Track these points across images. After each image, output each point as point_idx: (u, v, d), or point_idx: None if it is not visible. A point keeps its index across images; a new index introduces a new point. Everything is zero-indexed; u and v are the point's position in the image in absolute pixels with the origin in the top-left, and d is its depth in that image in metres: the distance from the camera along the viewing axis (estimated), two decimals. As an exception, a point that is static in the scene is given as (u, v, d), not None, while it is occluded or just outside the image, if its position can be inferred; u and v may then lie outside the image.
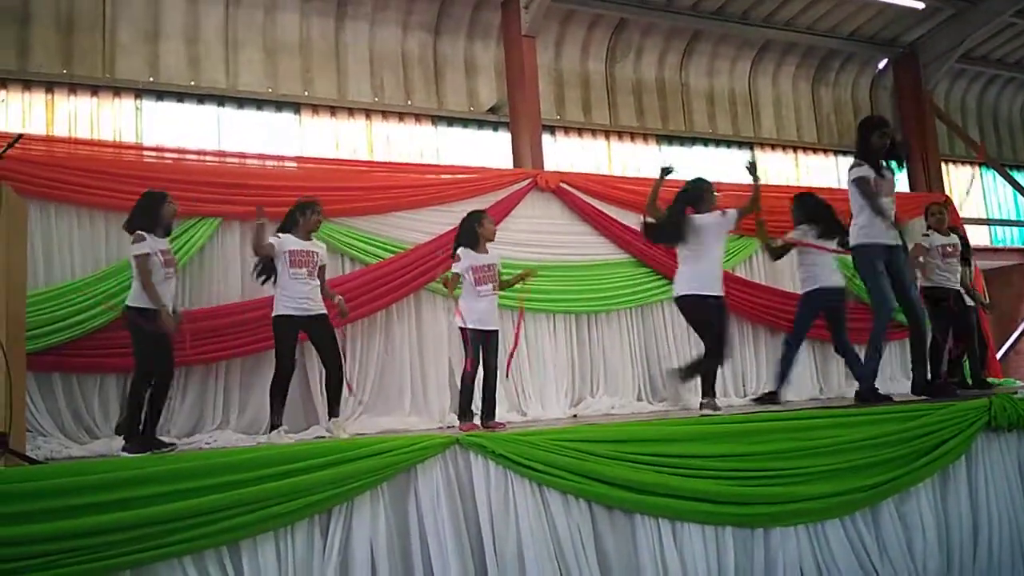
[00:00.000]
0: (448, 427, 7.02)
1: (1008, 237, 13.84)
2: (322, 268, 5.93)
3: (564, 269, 8.28)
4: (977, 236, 12.71)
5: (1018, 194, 13.15)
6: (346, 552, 3.37)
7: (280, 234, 5.81)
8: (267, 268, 5.90)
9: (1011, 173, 13.24)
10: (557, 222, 8.44)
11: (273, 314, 5.74)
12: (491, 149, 9.94)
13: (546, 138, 9.72)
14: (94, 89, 8.17)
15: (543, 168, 9.00)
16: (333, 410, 5.88)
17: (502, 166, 9.39)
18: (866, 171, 5.51)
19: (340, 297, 5.95)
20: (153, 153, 7.11)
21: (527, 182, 8.34)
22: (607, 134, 10.86)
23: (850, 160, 12.42)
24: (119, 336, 6.40)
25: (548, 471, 3.69)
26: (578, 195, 8.56)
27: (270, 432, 5.71)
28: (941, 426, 4.56)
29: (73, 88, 8.08)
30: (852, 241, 5.63)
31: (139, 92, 8.34)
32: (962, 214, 11.87)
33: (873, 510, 4.37)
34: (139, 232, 5.55)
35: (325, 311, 5.85)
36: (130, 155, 7.08)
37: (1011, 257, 13.76)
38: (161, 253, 5.57)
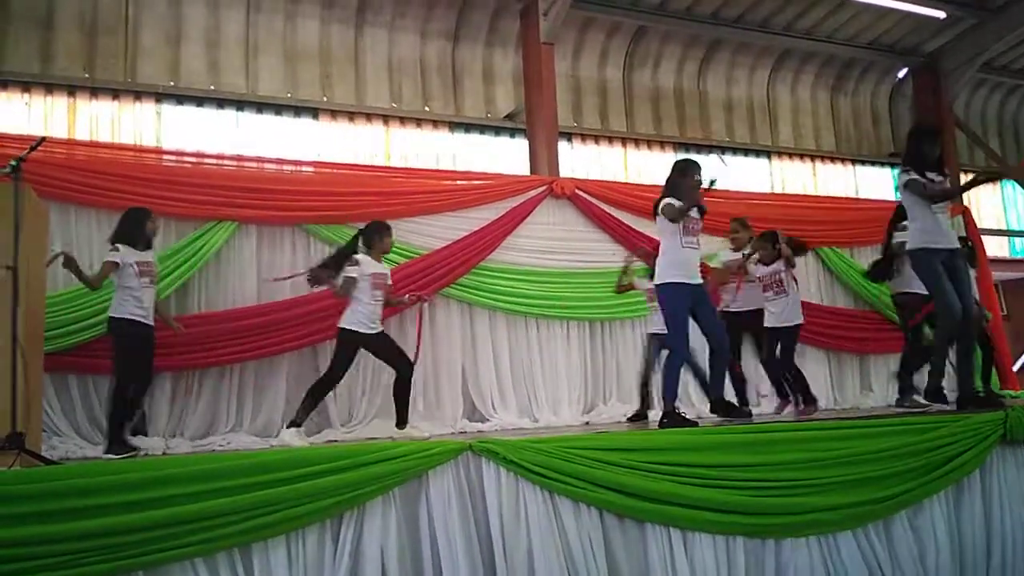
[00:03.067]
0: (460, 432, 7.03)
1: (1026, 248, 13.74)
2: None
3: (578, 276, 8.27)
4: (996, 247, 12.60)
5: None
6: (357, 557, 3.37)
7: (359, 255, 5.87)
8: (320, 280, 5.98)
9: (1031, 184, 13.12)
10: (573, 229, 8.44)
11: (343, 325, 5.80)
12: (508, 155, 9.96)
13: (563, 145, 9.73)
14: (115, 93, 8.25)
15: (559, 175, 9.01)
16: (402, 417, 5.91)
17: (518, 172, 9.41)
18: (916, 175, 5.30)
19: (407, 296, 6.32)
20: (172, 157, 7.17)
21: (543, 188, 8.35)
22: (624, 141, 10.85)
23: (868, 169, 12.43)
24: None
25: (559, 478, 3.69)
26: (594, 202, 8.56)
27: (287, 427, 5.68)
28: (956, 439, 4.52)
29: (95, 92, 8.17)
30: (911, 244, 5.41)
31: (159, 96, 8.42)
32: (981, 225, 11.78)
33: (886, 522, 4.33)
34: (114, 244, 5.74)
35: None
36: (150, 158, 7.14)
37: (1030, 268, 13.64)
38: (136, 264, 5.67)
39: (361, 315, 5.76)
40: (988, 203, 13.40)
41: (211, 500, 3.10)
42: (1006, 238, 13.27)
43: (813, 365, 9.37)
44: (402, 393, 5.90)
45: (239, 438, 6.54)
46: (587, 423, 7.85)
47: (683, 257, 5.15)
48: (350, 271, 5.79)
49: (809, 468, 4.17)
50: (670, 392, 5.17)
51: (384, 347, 5.94)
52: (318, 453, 3.44)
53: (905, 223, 6.28)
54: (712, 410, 5.35)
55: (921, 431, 4.52)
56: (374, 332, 5.83)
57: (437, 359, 7.63)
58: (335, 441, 6.61)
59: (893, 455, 4.37)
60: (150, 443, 6.30)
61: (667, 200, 5.19)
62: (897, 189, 5.59)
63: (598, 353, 8.40)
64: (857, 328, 9.66)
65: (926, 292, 5.92)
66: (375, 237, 5.98)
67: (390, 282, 6.08)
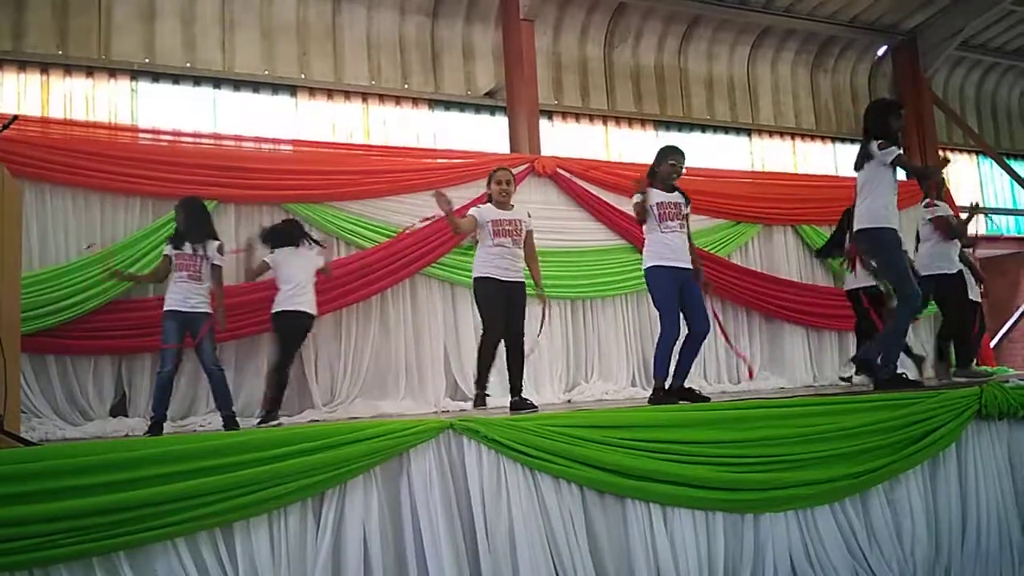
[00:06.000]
0: (443, 411, 7.05)
1: (1004, 226, 13.85)
2: None
3: (560, 255, 8.28)
4: (973, 224, 12.66)
5: (1015, 183, 13.15)
6: (339, 535, 3.38)
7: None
8: None
9: (1008, 162, 13.22)
10: (554, 207, 8.45)
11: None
12: (488, 133, 9.91)
13: (543, 123, 9.69)
14: (89, 70, 8.13)
15: (540, 153, 8.98)
16: (516, 386, 5.48)
17: (499, 151, 9.37)
18: (901, 151, 5.32)
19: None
20: (149, 135, 7.10)
21: (524, 167, 8.34)
22: (605, 119, 10.83)
23: (847, 147, 12.47)
24: (113, 318, 6.43)
25: (540, 456, 3.71)
26: (575, 181, 8.57)
27: (477, 403, 5.48)
28: (932, 414, 4.58)
29: (68, 69, 8.04)
30: (868, 223, 5.36)
31: (135, 73, 8.30)
32: (959, 202, 11.88)
33: (863, 497, 4.39)
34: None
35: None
36: (125, 137, 7.07)
37: (1007, 246, 13.77)
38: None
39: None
40: (965, 181, 13.50)
41: (192, 480, 3.10)
42: (982, 215, 13.37)
43: (792, 342, 9.47)
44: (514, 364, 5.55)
45: (219, 418, 6.51)
46: (569, 401, 7.89)
47: (664, 241, 5.19)
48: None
49: (787, 444, 4.22)
50: (660, 370, 5.19)
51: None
52: (299, 432, 3.43)
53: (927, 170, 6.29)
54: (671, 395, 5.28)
55: (897, 407, 4.58)
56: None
57: (419, 339, 7.64)
58: (317, 421, 6.62)
59: (870, 430, 4.41)
60: (131, 424, 6.28)
61: (635, 195, 5.23)
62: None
63: (580, 332, 8.44)
64: (836, 306, 9.73)
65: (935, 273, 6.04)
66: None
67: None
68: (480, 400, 5.49)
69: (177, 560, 3.09)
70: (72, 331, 6.24)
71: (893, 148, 5.28)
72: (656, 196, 5.20)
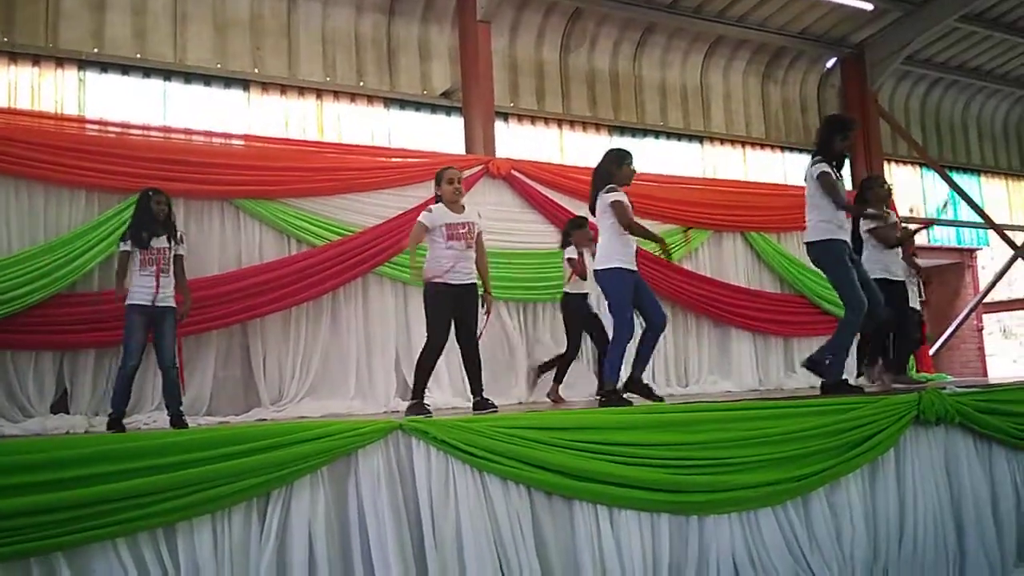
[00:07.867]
0: (393, 412, 7.02)
1: (945, 237, 14.23)
2: None
3: (514, 256, 8.30)
4: (916, 235, 13.00)
5: (956, 194, 13.52)
6: (284, 536, 3.36)
7: None
8: None
9: (950, 174, 13.60)
10: (508, 209, 8.46)
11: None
12: (443, 134, 9.89)
13: (499, 125, 9.70)
14: (36, 58, 7.92)
15: (495, 155, 8.99)
16: (476, 387, 5.42)
17: (454, 151, 9.35)
18: (828, 167, 5.44)
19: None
20: (96, 127, 6.94)
21: (479, 168, 8.34)
22: (560, 122, 10.88)
23: (796, 156, 12.69)
24: (56, 313, 6.30)
25: (488, 457, 3.73)
26: (529, 183, 8.59)
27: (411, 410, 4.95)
28: (871, 419, 4.70)
29: (14, 57, 7.83)
30: (814, 236, 5.50)
31: (83, 63, 8.11)
32: (902, 212, 12.18)
33: (804, 500, 4.50)
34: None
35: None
36: (72, 128, 6.90)
37: (948, 256, 14.17)
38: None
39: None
40: (908, 192, 13.83)
41: (134, 479, 3.05)
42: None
43: (739, 346, 9.61)
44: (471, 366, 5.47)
45: (164, 417, 6.40)
46: (520, 403, 7.91)
47: (626, 242, 5.29)
48: None
49: (732, 447, 4.30)
50: (613, 372, 5.30)
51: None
52: (246, 432, 3.40)
53: (871, 211, 6.48)
54: (626, 387, 5.39)
55: (839, 411, 4.69)
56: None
57: (370, 338, 7.59)
58: (264, 420, 6.55)
59: (812, 435, 4.52)
60: (72, 421, 6.15)
61: (617, 197, 5.33)
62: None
63: (531, 333, 8.46)
64: (782, 311, 9.92)
65: (879, 277, 6.16)
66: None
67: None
68: (418, 410, 4.86)
69: (117, 561, 3.05)
70: (12, 325, 6.08)
71: (818, 164, 5.44)
72: (625, 198, 5.34)
